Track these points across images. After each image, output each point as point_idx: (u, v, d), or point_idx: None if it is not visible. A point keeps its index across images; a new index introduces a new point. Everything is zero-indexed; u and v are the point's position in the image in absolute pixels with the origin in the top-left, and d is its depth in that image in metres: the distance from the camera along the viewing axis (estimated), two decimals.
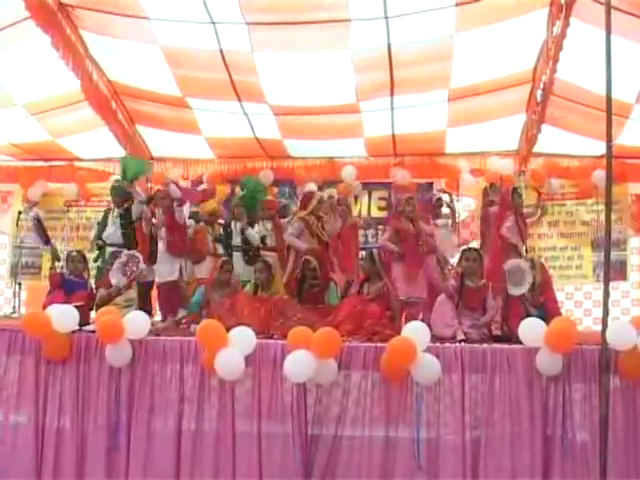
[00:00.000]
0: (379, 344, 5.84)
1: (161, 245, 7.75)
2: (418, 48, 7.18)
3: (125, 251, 7.22)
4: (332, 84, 7.83)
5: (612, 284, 6.76)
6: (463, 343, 6.09)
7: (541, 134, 8.26)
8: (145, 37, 7.24)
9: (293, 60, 7.41)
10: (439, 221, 8.35)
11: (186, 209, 8.23)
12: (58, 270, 8.05)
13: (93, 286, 7.30)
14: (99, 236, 7.89)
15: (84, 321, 6.43)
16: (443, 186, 9.54)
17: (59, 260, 8.50)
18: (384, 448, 5.65)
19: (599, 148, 7.61)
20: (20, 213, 9.67)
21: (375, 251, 7.09)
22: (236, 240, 8.11)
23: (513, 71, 7.63)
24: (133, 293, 7.19)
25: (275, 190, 9.65)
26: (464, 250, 7.04)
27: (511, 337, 6.09)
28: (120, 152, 9.36)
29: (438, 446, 5.61)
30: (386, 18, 6.69)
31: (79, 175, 10.02)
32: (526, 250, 7.99)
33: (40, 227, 8.91)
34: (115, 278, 6.89)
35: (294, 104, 8.24)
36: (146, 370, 6.01)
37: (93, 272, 7.80)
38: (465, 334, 6.34)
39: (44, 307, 6.47)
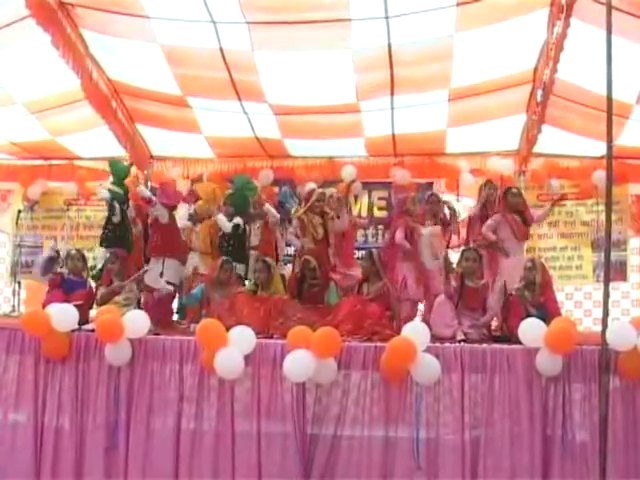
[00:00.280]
0: (379, 344, 5.86)
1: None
2: (418, 48, 7.17)
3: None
4: (332, 84, 7.82)
5: (612, 284, 6.75)
6: (463, 343, 6.09)
7: (541, 134, 8.23)
8: (145, 36, 7.22)
9: (293, 59, 7.40)
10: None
11: (184, 210, 8.24)
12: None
13: (92, 285, 7.29)
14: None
15: (83, 320, 6.43)
16: (443, 186, 9.52)
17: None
18: (383, 448, 5.67)
19: (599, 148, 7.61)
20: (20, 212, 9.68)
21: (375, 251, 7.08)
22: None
23: (513, 71, 7.62)
24: (132, 292, 7.19)
25: (275, 190, 9.62)
26: (464, 250, 7.04)
27: (511, 337, 6.09)
28: (120, 151, 9.35)
29: (437, 446, 5.63)
30: (387, 18, 6.68)
31: (79, 174, 9.99)
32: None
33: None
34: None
35: (294, 103, 8.22)
36: (145, 369, 6.02)
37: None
38: (465, 334, 6.34)
39: (43, 306, 6.48)
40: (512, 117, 8.45)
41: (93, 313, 6.87)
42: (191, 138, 9.33)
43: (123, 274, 7.09)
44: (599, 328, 5.59)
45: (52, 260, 8.61)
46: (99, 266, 7.88)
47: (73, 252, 7.31)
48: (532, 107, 8.02)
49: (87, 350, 6.13)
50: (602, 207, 8.02)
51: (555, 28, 6.64)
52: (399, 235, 7.41)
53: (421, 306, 7.68)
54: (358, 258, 8.08)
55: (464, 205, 9.44)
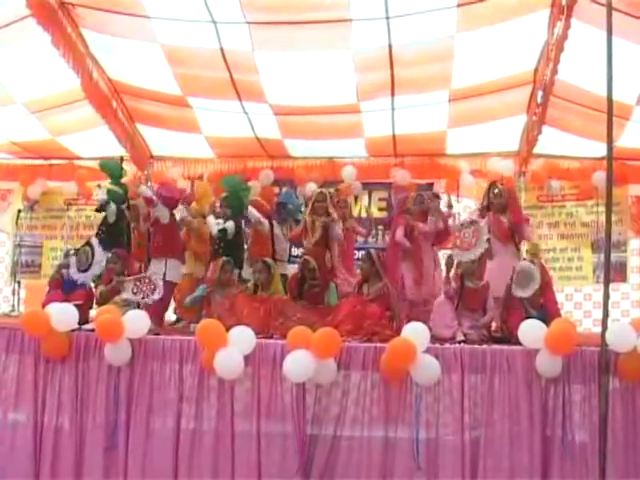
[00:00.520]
0: (379, 344, 5.85)
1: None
2: (419, 48, 7.18)
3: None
4: (333, 84, 7.82)
5: (612, 286, 6.75)
6: (463, 344, 6.09)
7: (541, 135, 8.25)
8: (146, 36, 7.23)
9: (294, 60, 7.41)
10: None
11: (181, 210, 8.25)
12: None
13: (92, 285, 7.28)
14: None
15: (83, 320, 6.43)
16: (443, 187, 9.52)
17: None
18: (383, 448, 5.66)
19: (599, 149, 7.63)
20: (20, 211, 9.68)
21: (373, 252, 7.06)
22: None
23: (514, 72, 7.62)
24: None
25: (275, 190, 9.62)
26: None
27: (511, 338, 6.08)
28: (120, 151, 9.35)
29: (437, 446, 5.62)
30: (387, 18, 6.69)
31: (79, 174, 10.00)
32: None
33: None
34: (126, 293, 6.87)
35: (294, 104, 8.23)
36: (145, 369, 6.02)
37: None
38: (465, 335, 6.34)
39: (43, 306, 6.47)
40: (512, 118, 8.45)
41: (93, 313, 6.87)
42: (191, 138, 9.34)
43: (124, 274, 7.08)
44: (599, 329, 5.61)
45: None
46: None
47: (73, 252, 7.30)
48: (532, 108, 8.03)
49: (87, 350, 6.12)
50: (602, 208, 8.01)
51: (555, 29, 6.66)
52: (399, 233, 7.38)
53: None
54: (357, 259, 8.07)
55: (464, 206, 9.46)
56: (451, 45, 7.08)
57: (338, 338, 5.69)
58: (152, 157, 9.94)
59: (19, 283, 9.31)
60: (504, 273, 6.57)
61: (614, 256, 8.46)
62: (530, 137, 8.44)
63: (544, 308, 6.37)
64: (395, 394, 5.73)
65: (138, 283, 6.81)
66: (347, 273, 7.61)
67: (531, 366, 5.63)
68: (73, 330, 6.16)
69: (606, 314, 5.41)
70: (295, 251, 8.97)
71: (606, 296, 5.43)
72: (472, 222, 6.85)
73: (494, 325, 6.78)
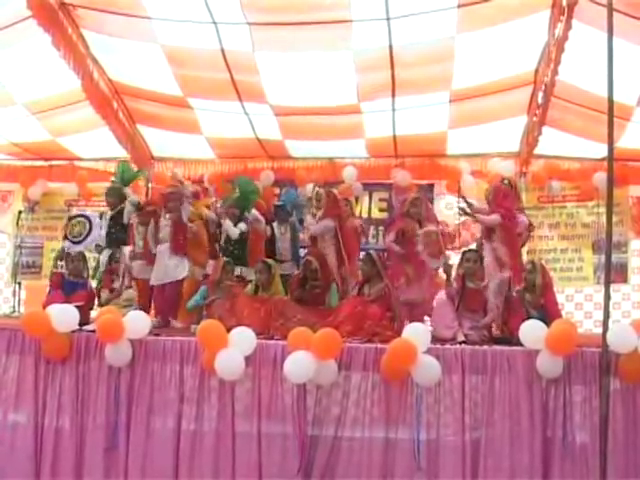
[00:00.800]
0: (379, 345, 5.85)
1: (160, 246, 7.55)
2: (420, 49, 7.17)
3: None
4: (333, 85, 7.82)
5: (613, 287, 6.73)
6: (463, 345, 6.09)
7: (542, 136, 8.25)
8: (146, 37, 7.23)
9: (294, 60, 7.40)
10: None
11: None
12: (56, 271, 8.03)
13: (93, 286, 7.29)
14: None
15: (84, 321, 6.43)
16: (444, 188, 9.52)
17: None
18: (384, 449, 5.66)
19: (600, 150, 7.65)
20: (20, 212, 9.67)
21: (374, 252, 7.06)
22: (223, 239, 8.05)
23: (515, 73, 7.62)
24: (133, 293, 7.18)
25: (276, 190, 9.63)
26: (464, 251, 7.04)
27: (511, 339, 6.08)
28: (121, 152, 9.36)
29: (438, 447, 5.63)
30: (388, 19, 6.69)
31: (79, 175, 10.00)
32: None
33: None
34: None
35: (295, 104, 8.23)
36: (146, 370, 6.02)
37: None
38: (465, 336, 6.34)
39: (44, 307, 6.46)
40: (513, 119, 8.45)
41: (93, 314, 6.87)
42: (192, 139, 9.33)
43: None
44: (600, 330, 5.60)
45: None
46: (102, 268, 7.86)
47: (74, 253, 7.30)
48: (533, 109, 8.03)
49: (87, 351, 6.12)
50: (603, 209, 8.01)
51: (556, 30, 6.66)
52: (388, 238, 7.38)
53: None
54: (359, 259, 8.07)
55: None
56: (452, 46, 7.08)
57: (339, 339, 5.69)
58: (153, 158, 9.93)
59: (20, 284, 9.30)
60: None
61: (615, 257, 8.45)
62: (531, 138, 8.45)
63: (545, 309, 6.38)
64: (396, 395, 5.73)
65: None
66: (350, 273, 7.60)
67: (532, 367, 5.63)
68: (74, 331, 6.17)
69: (607, 315, 5.41)
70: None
71: (607, 297, 5.42)
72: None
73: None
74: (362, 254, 7.62)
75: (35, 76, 7.94)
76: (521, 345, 5.73)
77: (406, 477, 5.60)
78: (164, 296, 7.49)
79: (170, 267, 7.42)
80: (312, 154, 9.61)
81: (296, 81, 7.82)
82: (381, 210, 9.81)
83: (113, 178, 8.43)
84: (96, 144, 9.42)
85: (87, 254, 7.60)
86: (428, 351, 5.65)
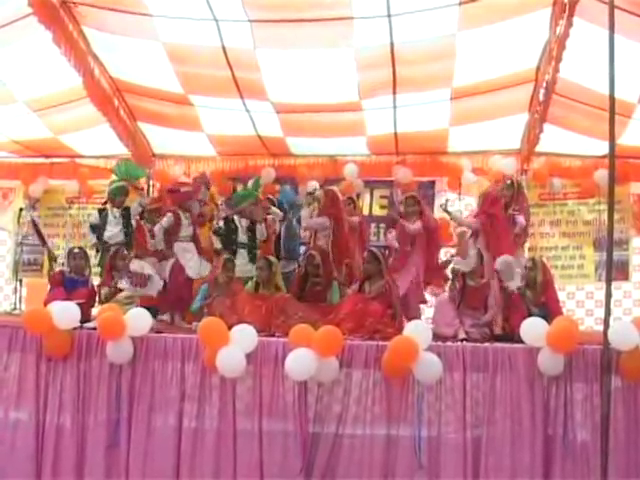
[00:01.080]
0: (380, 342, 5.85)
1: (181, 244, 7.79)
2: (421, 46, 7.16)
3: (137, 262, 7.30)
4: (334, 82, 7.80)
5: (614, 284, 6.75)
6: (464, 342, 6.09)
7: (543, 133, 8.23)
8: (147, 34, 7.22)
9: (296, 57, 7.39)
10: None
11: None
12: (57, 269, 8.03)
13: (95, 284, 7.28)
14: (99, 237, 7.92)
15: (85, 318, 6.43)
16: (445, 185, 9.51)
17: (55, 261, 8.53)
18: (385, 447, 5.68)
19: (601, 148, 7.64)
20: (21, 210, 9.66)
21: (376, 250, 7.07)
22: (242, 237, 8.07)
23: (516, 70, 7.60)
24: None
25: (277, 188, 9.62)
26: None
27: (513, 336, 6.08)
28: (122, 149, 9.36)
29: (439, 445, 5.64)
30: (389, 16, 6.67)
31: (80, 172, 10.00)
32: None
33: (36, 230, 8.91)
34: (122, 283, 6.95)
35: (296, 102, 8.21)
36: (147, 368, 6.03)
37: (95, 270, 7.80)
38: (466, 333, 6.35)
39: (45, 304, 6.46)
40: (514, 116, 8.44)
41: (95, 311, 6.87)
42: (193, 136, 9.33)
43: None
44: (601, 328, 5.60)
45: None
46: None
47: (76, 250, 7.29)
48: (534, 106, 8.01)
49: (89, 348, 6.13)
50: (604, 206, 8.01)
51: (557, 27, 6.64)
52: (390, 235, 7.46)
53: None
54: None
55: (466, 204, 9.45)
56: (453, 43, 7.07)
57: (340, 336, 5.69)
58: (154, 155, 9.92)
59: (21, 281, 9.29)
60: None
61: (616, 254, 8.43)
62: (532, 135, 8.43)
63: (546, 306, 6.40)
64: (397, 392, 5.74)
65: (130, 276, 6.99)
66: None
67: (533, 364, 5.64)
68: (75, 328, 6.18)
69: (608, 312, 5.41)
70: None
71: (608, 294, 5.42)
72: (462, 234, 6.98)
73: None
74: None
75: (36, 73, 7.92)
76: (522, 343, 5.74)
77: (407, 475, 5.61)
78: (182, 293, 7.58)
79: (203, 265, 7.71)
80: (313, 151, 9.60)
81: (297, 78, 7.81)
82: (382, 207, 9.81)
83: (116, 177, 8.39)
84: (97, 141, 9.41)
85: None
86: (429, 348, 5.66)
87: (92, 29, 7.43)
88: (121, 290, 6.96)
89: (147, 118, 9.11)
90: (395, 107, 8.24)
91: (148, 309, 6.47)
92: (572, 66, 7.03)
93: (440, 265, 7.71)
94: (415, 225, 7.40)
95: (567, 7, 6.37)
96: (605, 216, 6.47)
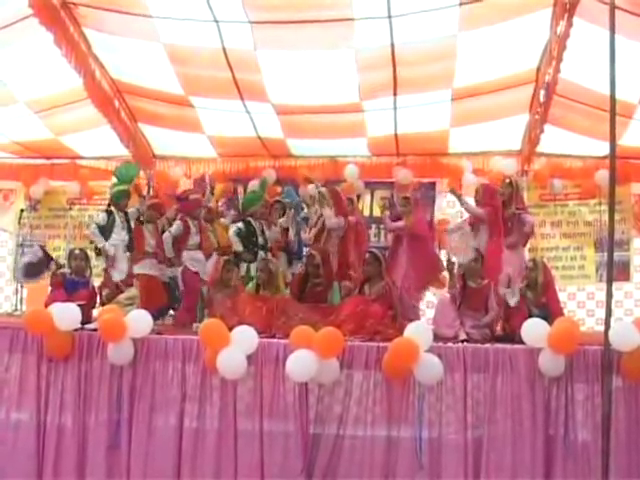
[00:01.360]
0: (381, 344, 5.84)
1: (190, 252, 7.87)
2: (421, 47, 7.17)
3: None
4: (335, 83, 7.81)
5: (615, 285, 6.75)
6: (465, 343, 6.09)
7: (544, 134, 8.25)
8: (148, 35, 7.23)
9: (296, 59, 7.40)
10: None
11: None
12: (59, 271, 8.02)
13: (95, 285, 7.29)
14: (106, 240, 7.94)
15: (86, 319, 6.43)
16: (445, 186, 9.50)
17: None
18: (386, 447, 5.66)
19: (602, 148, 7.64)
20: (22, 211, 9.68)
21: (376, 251, 7.08)
22: (260, 240, 8.10)
23: (516, 71, 7.62)
24: (135, 291, 7.18)
25: (278, 189, 9.62)
26: None
27: (513, 337, 6.08)
28: (122, 150, 9.36)
29: (440, 446, 5.62)
30: (389, 17, 6.68)
31: (81, 173, 10.02)
32: None
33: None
34: None
35: (297, 103, 8.22)
36: (148, 369, 6.02)
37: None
38: (467, 334, 6.34)
39: (46, 305, 6.45)
40: (515, 117, 8.45)
41: (96, 313, 6.87)
42: (194, 137, 9.34)
43: None
44: (602, 328, 5.59)
45: (35, 264, 8.43)
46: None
47: (76, 252, 7.28)
48: (535, 107, 8.02)
49: (90, 349, 6.12)
50: (605, 207, 8.02)
51: (558, 28, 6.65)
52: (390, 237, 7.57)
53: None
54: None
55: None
56: (453, 44, 7.08)
57: (341, 337, 5.69)
58: (154, 156, 9.94)
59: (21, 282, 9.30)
60: None
61: (617, 255, 8.43)
62: (532, 136, 8.44)
63: (547, 307, 6.39)
64: (398, 393, 5.73)
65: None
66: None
67: (534, 365, 5.63)
68: (76, 329, 6.17)
69: (609, 313, 5.41)
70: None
71: (609, 295, 5.42)
72: (459, 227, 6.98)
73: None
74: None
75: (37, 75, 7.94)
76: (523, 343, 5.72)
77: (408, 476, 5.60)
78: (196, 298, 7.66)
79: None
80: (314, 153, 9.60)
81: (298, 79, 7.81)
82: (383, 208, 9.79)
83: (117, 181, 8.37)
84: (98, 143, 9.42)
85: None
86: (430, 350, 5.65)
87: (93, 30, 7.45)
88: (122, 291, 6.97)
89: (148, 119, 9.12)
90: (396, 108, 8.25)
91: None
92: (573, 67, 7.04)
93: (434, 267, 7.74)
94: (396, 224, 7.43)
95: (568, 7, 6.37)
96: (606, 217, 6.46)
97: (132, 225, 7.81)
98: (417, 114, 8.34)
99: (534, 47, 7.21)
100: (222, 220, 8.56)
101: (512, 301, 6.52)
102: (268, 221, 8.22)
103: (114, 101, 8.58)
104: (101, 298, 7.25)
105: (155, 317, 6.56)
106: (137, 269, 7.43)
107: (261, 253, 7.91)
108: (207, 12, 6.75)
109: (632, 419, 5.54)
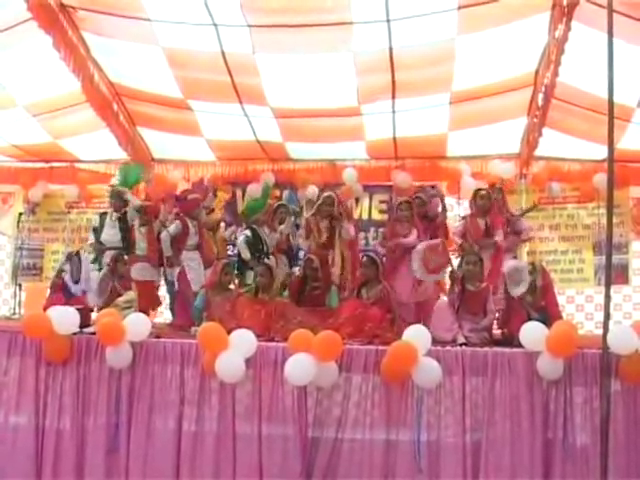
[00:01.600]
0: (380, 347, 5.85)
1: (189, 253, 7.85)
2: (420, 51, 7.16)
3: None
4: (334, 87, 7.81)
5: (613, 288, 6.76)
6: (464, 346, 6.09)
7: (542, 137, 8.24)
8: (147, 39, 7.22)
9: (295, 62, 7.39)
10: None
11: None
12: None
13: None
14: (97, 239, 7.94)
15: (84, 323, 6.43)
16: (444, 190, 9.51)
17: None
18: (385, 451, 5.67)
19: (600, 152, 7.65)
20: (21, 214, 9.68)
21: (373, 255, 7.08)
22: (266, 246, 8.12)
23: (515, 74, 7.61)
24: (133, 295, 7.18)
25: (276, 193, 9.63)
26: (464, 254, 7.06)
27: (512, 341, 6.08)
28: (121, 154, 9.36)
29: (439, 449, 5.63)
30: (388, 21, 6.68)
31: (80, 176, 10.00)
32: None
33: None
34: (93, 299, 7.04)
35: (295, 106, 8.21)
36: (146, 372, 6.03)
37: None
38: (466, 338, 6.34)
39: (45, 309, 6.47)
40: (513, 120, 8.44)
41: (94, 316, 6.87)
42: (192, 141, 9.33)
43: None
44: (600, 332, 5.59)
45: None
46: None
47: (75, 255, 7.30)
48: (533, 110, 8.02)
49: (88, 353, 6.13)
50: (603, 210, 8.01)
51: (556, 31, 6.64)
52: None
53: None
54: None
55: (465, 208, 9.45)
56: (452, 48, 7.07)
57: (339, 341, 5.69)
58: (153, 160, 9.91)
59: (20, 286, 9.30)
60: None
61: (615, 258, 8.45)
62: (531, 139, 8.44)
63: (545, 310, 6.39)
64: (396, 397, 5.74)
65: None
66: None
67: (532, 369, 5.64)
68: (74, 333, 6.17)
69: (607, 316, 5.40)
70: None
71: (607, 298, 5.41)
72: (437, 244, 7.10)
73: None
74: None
75: (35, 78, 7.93)
76: (521, 347, 5.73)
77: (407, 479, 5.60)
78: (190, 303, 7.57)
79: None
80: (312, 156, 9.60)
81: (296, 83, 7.81)
82: (381, 212, 9.81)
83: (115, 181, 8.41)
84: (96, 146, 9.41)
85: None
86: (428, 353, 5.65)
87: (91, 34, 7.44)
88: (120, 295, 6.97)
89: (146, 123, 9.12)
90: (394, 112, 8.24)
91: None
92: (571, 70, 7.03)
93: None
94: (409, 238, 7.36)
95: (566, 11, 6.37)
96: (604, 220, 6.45)
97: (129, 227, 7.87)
98: (415, 117, 8.34)
99: (532, 50, 7.21)
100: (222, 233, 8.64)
101: (516, 291, 6.50)
102: (269, 226, 8.21)
103: (113, 104, 8.57)
104: None
105: None
106: (132, 273, 7.45)
107: (265, 259, 7.90)
108: (206, 16, 6.75)
109: (630, 422, 5.55)
